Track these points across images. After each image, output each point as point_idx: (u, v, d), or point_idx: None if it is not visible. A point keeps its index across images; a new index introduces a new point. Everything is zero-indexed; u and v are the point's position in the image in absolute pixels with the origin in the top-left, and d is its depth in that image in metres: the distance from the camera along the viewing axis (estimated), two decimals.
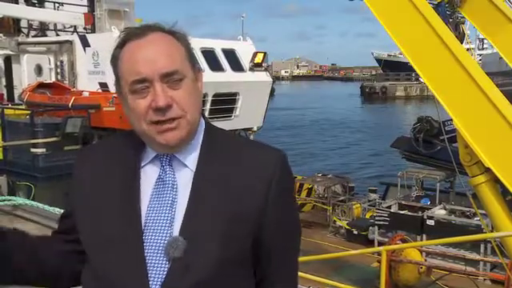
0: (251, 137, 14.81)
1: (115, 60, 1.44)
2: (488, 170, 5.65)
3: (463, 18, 7.23)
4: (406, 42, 6.23)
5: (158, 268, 1.38)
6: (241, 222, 1.41)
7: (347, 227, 13.40)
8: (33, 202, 7.47)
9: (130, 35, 1.42)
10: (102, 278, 1.42)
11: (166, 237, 1.39)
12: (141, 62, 1.38)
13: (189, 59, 1.46)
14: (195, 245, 1.37)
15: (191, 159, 1.46)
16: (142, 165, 1.48)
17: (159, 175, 1.45)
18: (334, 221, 14.20)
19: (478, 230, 10.39)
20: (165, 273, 1.37)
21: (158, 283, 1.37)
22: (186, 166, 1.46)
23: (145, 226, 1.41)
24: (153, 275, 1.38)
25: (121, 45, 1.43)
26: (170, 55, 1.40)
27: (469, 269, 9.00)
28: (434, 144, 12.36)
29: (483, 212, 6.70)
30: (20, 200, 7.58)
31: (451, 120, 9.81)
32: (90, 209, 1.47)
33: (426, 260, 9.79)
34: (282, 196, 1.47)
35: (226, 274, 1.40)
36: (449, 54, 5.71)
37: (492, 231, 7.82)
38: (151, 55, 1.38)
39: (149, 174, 1.46)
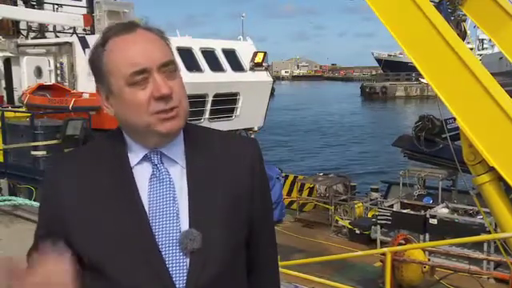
0: (252, 137, 14.76)
1: (99, 58, 1.43)
2: (492, 169, 5.61)
3: (464, 15, 7.20)
4: (408, 41, 6.18)
5: (177, 262, 1.39)
6: (239, 208, 1.49)
7: (349, 227, 13.34)
8: (33, 202, 7.44)
9: (118, 30, 1.43)
10: (119, 283, 1.39)
11: (176, 231, 1.40)
12: (138, 54, 1.39)
13: (172, 54, 1.48)
14: (208, 235, 1.40)
15: (179, 155, 1.49)
16: (133, 165, 1.47)
17: (153, 173, 1.46)
18: (336, 220, 14.15)
19: (482, 228, 10.35)
20: (185, 266, 1.39)
21: (181, 278, 1.38)
22: (175, 162, 1.48)
23: (152, 224, 1.41)
24: (174, 270, 1.38)
25: (103, 42, 1.42)
26: (161, 47, 1.43)
27: (472, 268, 8.94)
28: (435, 142, 12.32)
29: (487, 210, 6.66)
30: (20, 200, 7.56)
31: (453, 118, 9.81)
32: (91, 220, 1.42)
33: (429, 259, 9.74)
34: (262, 178, 1.59)
35: (236, 261, 1.49)
36: (451, 52, 5.67)
37: (496, 229, 7.78)
38: (146, 47, 1.40)
39: (140, 174, 1.46)
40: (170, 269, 1.38)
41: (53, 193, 1.48)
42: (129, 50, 1.39)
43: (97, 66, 1.44)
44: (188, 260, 1.39)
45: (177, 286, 1.38)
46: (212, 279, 1.40)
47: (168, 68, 1.41)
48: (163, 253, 1.39)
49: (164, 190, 1.44)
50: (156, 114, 1.39)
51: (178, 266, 1.39)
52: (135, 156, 1.47)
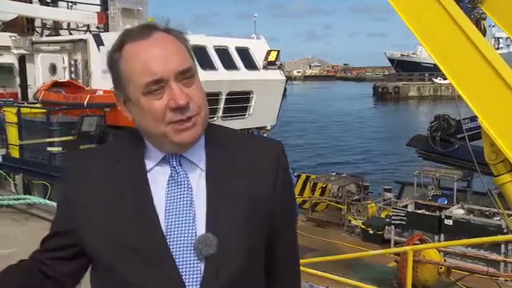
0: (265, 135, 14.73)
1: (116, 63, 1.37)
2: None
3: (483, 13, 7.11)
4: (430, 39, 6.10)
5: (190, 267, 1.35)
6: (258, 211, 1.43)
7: (363, 227, 13.28)
8: (47, 201, 7.50)
9: (133, 36, 1.37)
10: (129, 284, 1.36)
11: (192, 235, 1.36)
12: (154, 62, 1.32)
13: (191, 56, 1.42)
14: (224, 240, 1.36)
15: (199, 157, 1.44)
16: (151, 167, 1.43)
17: (171, 176, 1.42)
18: (349, 220, 14.09)
19: (499, 229, 10.23)
20: (199, 271, 1.35)
21: (195, 282, 1.34)
22: (195, 164, 1.43)
23: (167, 227, 1.37)
24: (187, 274, 1.34)
25: (119, 47, 1.37)
26: (179, 53, 1.37)
27: (490, 270, 8.83)
28: (451, 142, 12.22)
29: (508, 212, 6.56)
30: (35, 199, 7.62)
31: (469, 118, 9.71)
32: (103, 219, 1.38)
33: (445, 260, 9.64)
34: (286, 182, 1.53)
35: (253, 264, 1.43)
36: (474, 50, 5.59)
37: None
38: (163, 54, 1.34)
39: (158, 176, 1.42)
40: (184, 272, 1.34)
41: (69, 191, 1.46)
42: (145, 57, 1.33)
43: (113, 71, 1.40)
44: (202, 265, 1.35)
45: None
46: (226, 285, 1.36)
47: (185, 75, 1.35)
48: (176, 256, 1.35)
49: (182, 193, 1.40)
50: (172, 123, 1.35)
51: (192, 270, 1.35)
52: (154, 158, 1.43)
